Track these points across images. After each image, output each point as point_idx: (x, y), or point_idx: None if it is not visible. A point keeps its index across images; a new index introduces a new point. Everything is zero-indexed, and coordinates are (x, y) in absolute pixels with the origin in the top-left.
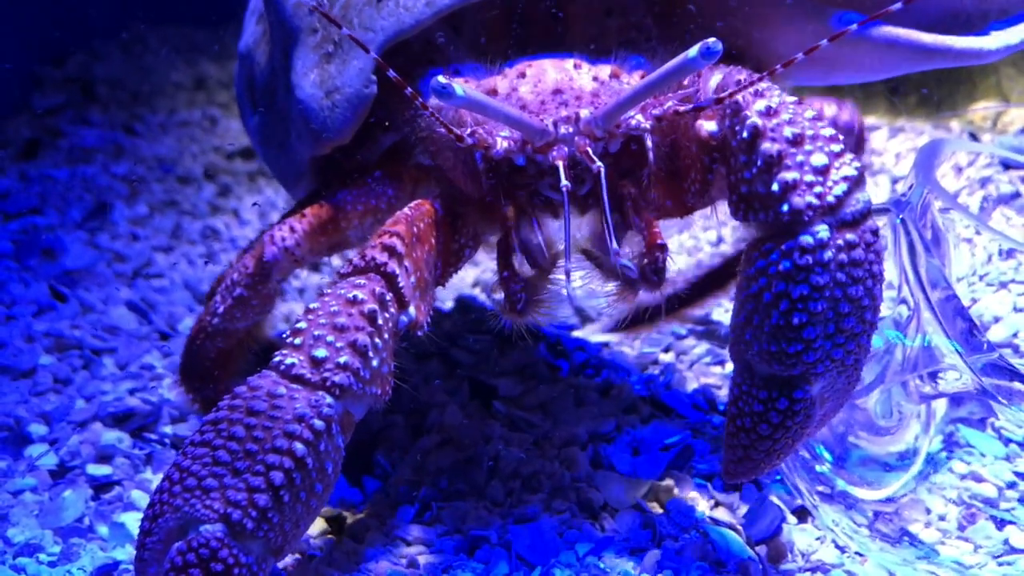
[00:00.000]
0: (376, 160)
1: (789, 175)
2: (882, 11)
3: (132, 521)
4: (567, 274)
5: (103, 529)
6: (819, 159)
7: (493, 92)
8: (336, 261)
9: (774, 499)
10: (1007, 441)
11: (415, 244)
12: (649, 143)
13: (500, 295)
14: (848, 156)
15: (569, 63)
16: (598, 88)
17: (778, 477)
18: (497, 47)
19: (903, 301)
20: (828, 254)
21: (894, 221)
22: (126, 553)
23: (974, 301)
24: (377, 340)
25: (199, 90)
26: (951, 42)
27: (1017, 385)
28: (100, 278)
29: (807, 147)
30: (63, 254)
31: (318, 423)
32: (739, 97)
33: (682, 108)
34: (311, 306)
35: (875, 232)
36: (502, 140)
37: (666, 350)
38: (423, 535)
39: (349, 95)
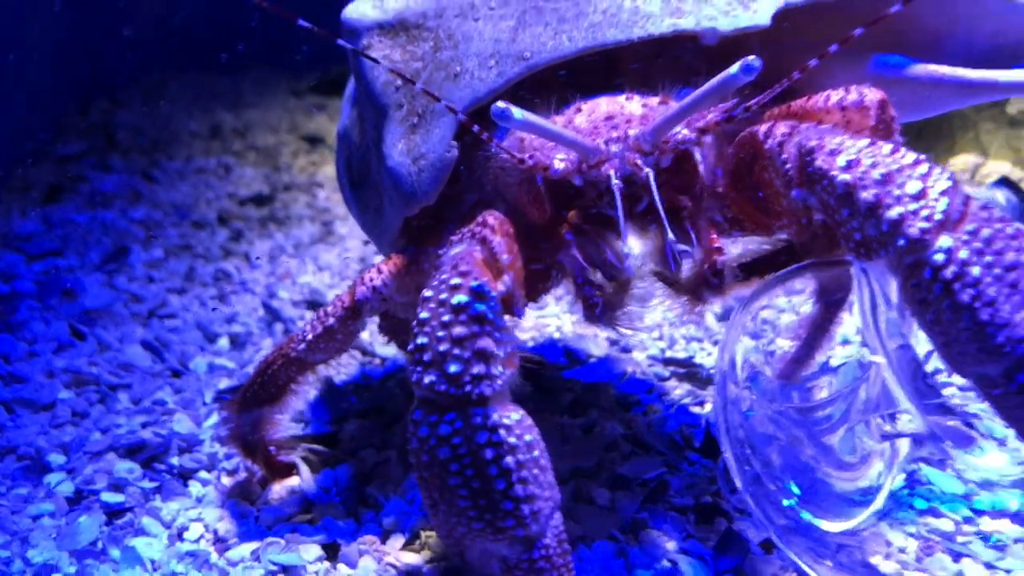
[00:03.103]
0: (459, 218)
1: (894, 212)
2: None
3: (142, 545)
4: (629, 266)
5: (115, 552)
6: (914, 186)
7: None
8: None
9: (744, 531)
10: (965, 481)
11: (506, 233)
12: (698, 157)
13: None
14: (937, 170)
15: (621, 97)
16: (647, 112)
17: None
18: (559, 98)
19: (866, 344)
20: (963, 253)
21: (857, 273)
22: (136, 575)
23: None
24: (496, 334)
25: (215, 138)
26: (996, 76)
27: (961, 427)
28: (117, 318)
29: (899, 180)
30: (83, 294)
31: (500, 435)
32: (820, 162)
33: (720, 117)
34: (422, 316)
35: (986, 206)
36: (559, 161)
37: (648, 390)
38: (412, 562)
39: (433, 160)
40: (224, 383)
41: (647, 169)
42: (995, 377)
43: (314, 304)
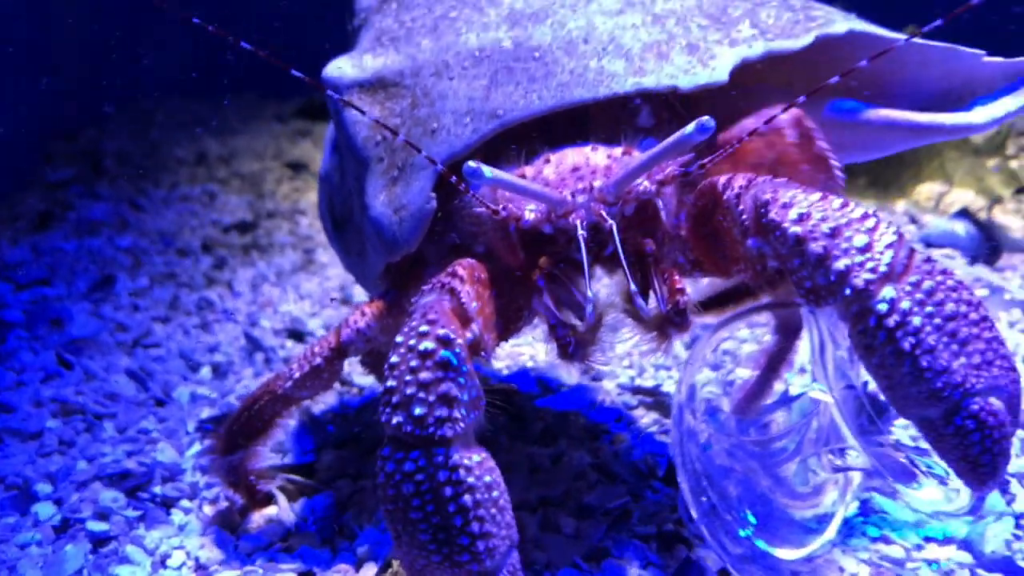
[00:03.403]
0: (439, 260)
1: (841, 264)
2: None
3: (126, 573)
4: (591, 312)
5: None
6: (861, 240)
7: (522, 177)
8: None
9: (702, 559)
10: (915, 510)
11: (476, 281)
12: (660, 205)
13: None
14: (884, 224)
15: (587, 148)
16: (611, 163)
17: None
18: (529, 149)
19: (816, 380)
20: (905, 303)
21: (807, 316)
22: None
23: None
24: (460, 379)
25: (199, 165)
26: (942, 119)
27: (904, 462)
28: (103, 347)
29: (847, 234)
30: (70, 323)
31: (459, 474)
32: (774, 214)
33: (678, 171)
34: (392, 360)
35: (928, 259)
36: (529, 212)
37: (617, 419)
38: None
39: (413, 211)
40: (206, 412)
41: (610, 220)
42: (934, 419)
43: (295, 333)
